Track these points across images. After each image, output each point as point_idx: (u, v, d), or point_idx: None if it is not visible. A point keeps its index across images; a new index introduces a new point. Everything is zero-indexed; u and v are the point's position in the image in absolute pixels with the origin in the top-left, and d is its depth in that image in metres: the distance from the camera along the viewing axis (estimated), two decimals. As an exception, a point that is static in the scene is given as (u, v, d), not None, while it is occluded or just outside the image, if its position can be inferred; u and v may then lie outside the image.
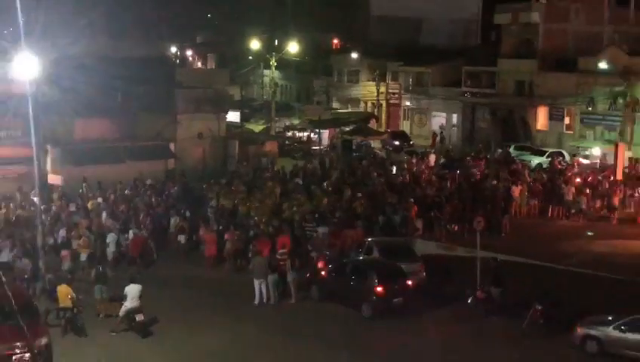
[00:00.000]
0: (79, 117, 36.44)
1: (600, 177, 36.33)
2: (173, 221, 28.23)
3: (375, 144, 51.29)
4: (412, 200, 30.26)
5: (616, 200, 32.94)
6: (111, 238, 26.17)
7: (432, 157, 43.50)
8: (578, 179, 34.83)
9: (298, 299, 23.24)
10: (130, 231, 26.68)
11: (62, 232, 26.43)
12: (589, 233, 29.80)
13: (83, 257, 25.24)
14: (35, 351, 16.97)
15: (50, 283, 22.39)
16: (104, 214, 28.67)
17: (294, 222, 27.92)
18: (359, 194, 31.28)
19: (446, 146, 51.87)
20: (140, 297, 20.41)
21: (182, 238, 27.71)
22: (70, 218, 28.22)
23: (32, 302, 19.78)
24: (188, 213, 29.13)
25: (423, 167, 40.10)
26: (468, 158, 42.72)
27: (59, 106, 34.80)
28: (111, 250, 26.01)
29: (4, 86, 33.42)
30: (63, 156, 35.94)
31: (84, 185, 32.99)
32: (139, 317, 20.25)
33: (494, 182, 34.74)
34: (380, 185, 33.94)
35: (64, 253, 24.11)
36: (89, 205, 30.16)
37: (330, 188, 33.24)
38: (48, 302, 21.60)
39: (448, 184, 35.11)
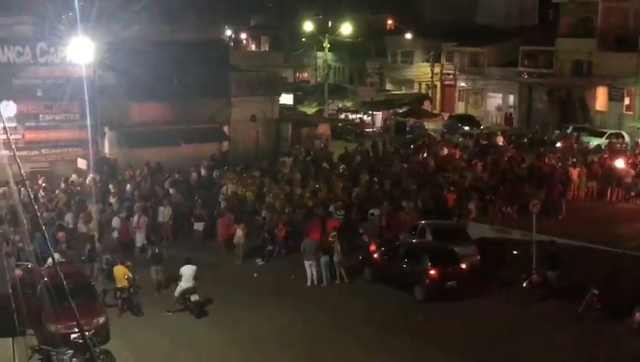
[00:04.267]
0: (135, 100, 36.87)
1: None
2: (162, 210, 27.41)
3: (430, 126, 50.78)
4: (451, 188, 29.73)
5: None
6: (116, 222, 26.14)
7: (500, 139, 42.84)
8: (619, 161, 33.39)
9: (350, 281, 23.27)
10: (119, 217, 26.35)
11: (68, 216, 26.74)
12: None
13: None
14: (92, 331, 17.35)
15: (107, 264, 22.82)
16: (112, 199, 28.81)
17: (311, 208, 27.56)
18: (375, 179, 31.12)
19: (502, 128, 51.09)
20: (195, 278, 20.72)
21: (199, 226, 27.27)
22: (83, 203, 28.20)
23: (89, 282, 20.27)
24: (200, 201, 28.62)
25: (453, 150, 39.24)
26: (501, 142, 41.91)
27: (115, 90, 35.29)
28: (115, 235, 25.86)
29: (62, 70, 34.11)
30: (119, 138, 36.52)
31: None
32: (194, 298, 20.55)
33: (523, 165, 34.23)
34: (402, 170, 33.52)
35: (60, 234, 24.39)
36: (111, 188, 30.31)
37: (347, 174, 32.94)
38: (106, 283, 22.08)
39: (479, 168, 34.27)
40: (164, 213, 27.43)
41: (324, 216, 26.61)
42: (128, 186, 31.01)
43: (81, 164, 34.26)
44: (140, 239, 25.66)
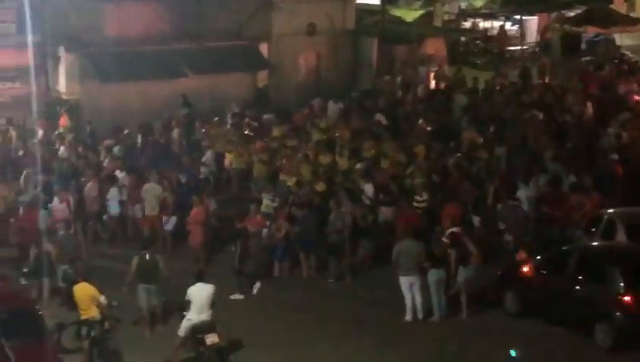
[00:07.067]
0: (110, 2, 37.10)
1: None
2: (112, 192, 28.11)
3: (628, 40, 50.11)
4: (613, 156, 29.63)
5: None
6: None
7: None
8: None
9: (478, 313, 23.32)
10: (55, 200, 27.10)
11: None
12: None
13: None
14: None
15: (66, 280, 23.04)
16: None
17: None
18: (481, 140, 31.73)
19: None
20: (213, 305, 20.72)
21: (168, 222, 27.76)
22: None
23: (34, 309, 20.38)
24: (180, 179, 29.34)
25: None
26: None
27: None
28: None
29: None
30: (83, 66, 36.93)
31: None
32: (211, 339, 20.49)
33: None
34: (534, 122, 33.76)
35: None
36: None
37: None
38: (64, 312, 22.35)
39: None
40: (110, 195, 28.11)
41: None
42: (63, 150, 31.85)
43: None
44: None
